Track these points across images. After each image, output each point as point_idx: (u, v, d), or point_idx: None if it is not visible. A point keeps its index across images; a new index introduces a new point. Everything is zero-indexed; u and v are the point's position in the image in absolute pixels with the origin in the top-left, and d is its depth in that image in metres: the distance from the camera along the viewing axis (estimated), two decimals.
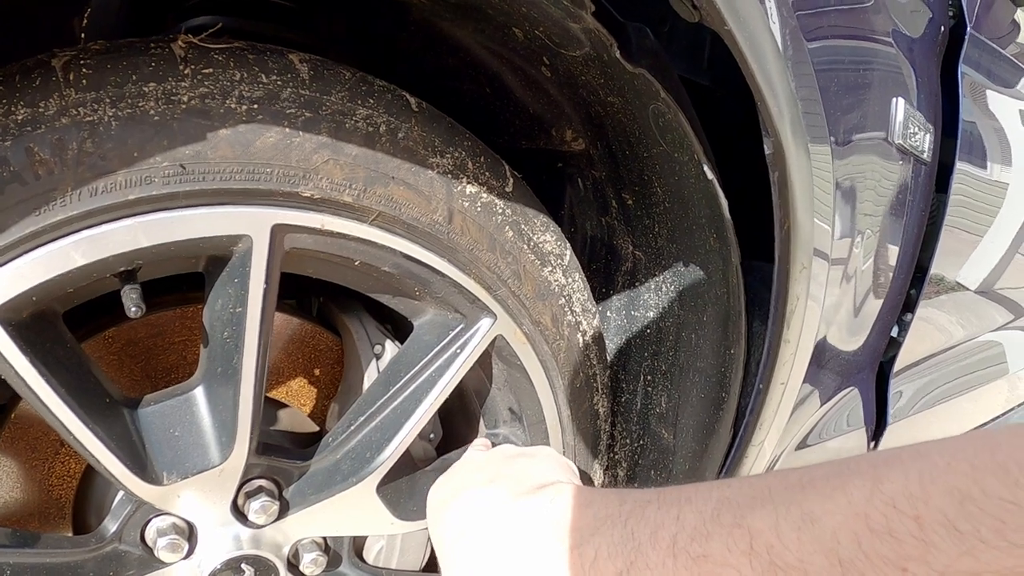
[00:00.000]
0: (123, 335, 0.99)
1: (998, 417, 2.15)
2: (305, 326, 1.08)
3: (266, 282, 0.86)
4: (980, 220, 1.46)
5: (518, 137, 1.17)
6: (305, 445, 1.05)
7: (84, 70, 0.79)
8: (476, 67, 1.10)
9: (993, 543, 0.42)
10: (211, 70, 0.83)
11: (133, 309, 0.83)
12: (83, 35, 1.08)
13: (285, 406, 1.10)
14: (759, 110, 0.88)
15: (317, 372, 1.10)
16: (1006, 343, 1.90)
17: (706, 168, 0.97)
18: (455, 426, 1.19)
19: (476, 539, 0.79)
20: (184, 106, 0.80)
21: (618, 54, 0.89)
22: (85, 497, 1.04)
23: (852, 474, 0.51)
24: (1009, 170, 1.48)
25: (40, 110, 0.74)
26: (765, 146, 0.90)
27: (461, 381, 1.02)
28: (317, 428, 1.13)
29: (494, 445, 1.10)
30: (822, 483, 0.52)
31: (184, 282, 1.02)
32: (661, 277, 1.17)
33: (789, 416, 1.12)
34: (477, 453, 0.97)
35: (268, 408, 1.09)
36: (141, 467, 0.89)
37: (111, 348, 0.98)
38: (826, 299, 1.04)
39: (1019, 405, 2.29)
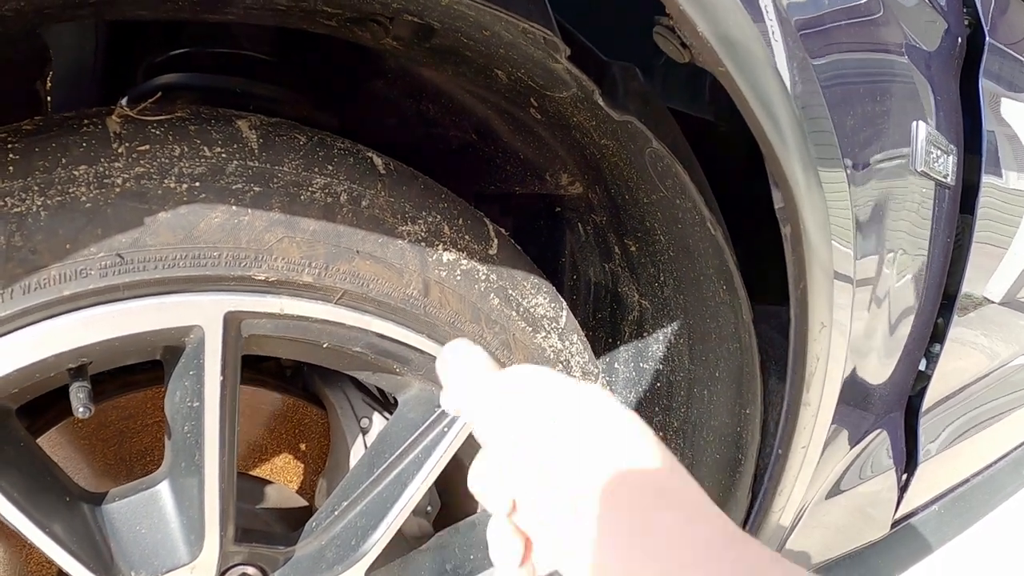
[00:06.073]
0: (93, 419, 0.87)
1: None
2: (287, 400, 0.95)
3: (223, 374, 0.73)
4: (1005, 232, 1.28)
5: (511, 183, 1.02)
6: (295, 521, 0.93)
7: (11, 155, 0.67)
8: (460, 112, 0.96)
9: None
10: (147, 147, 0.70)
11: (80, 410, 0.71)
12: (48, 98, 0.96)
13: (270, 483, 0.98)
14: (766, 160, 0.72)
15: (303, 447, 0.98)
16: None
17: (708, 220, 0.82)
18: (456, 496, 1.05)
19: None
20: (118, 189, 0.68)
21: (601, 101, 0.74)
22: None
23: None
24: None
25: None
26: (775, 199, 0.74)
27: (456, 453, 0.89)
28: (306, 503, 1.01)
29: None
30: None
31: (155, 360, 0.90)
32: (669, 328, 1.02)
33: (813, 472, 0.97)
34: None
35: (253, 486, 0.96)
36: (104, 568, 0.77)
37: (81, 433, 0.87)
38: (847, 361, 0.88)
39: None
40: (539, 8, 0.70)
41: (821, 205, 0.75)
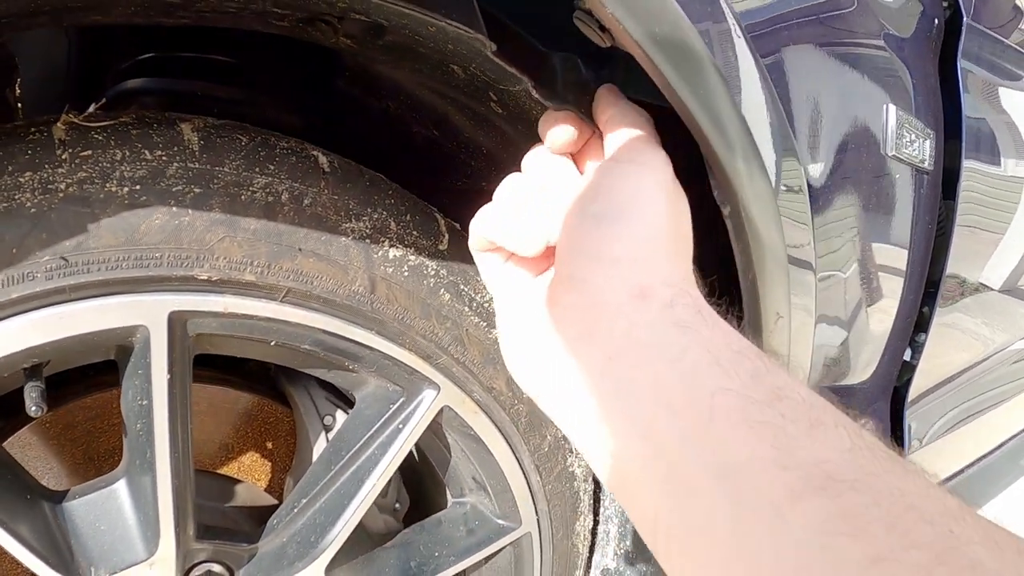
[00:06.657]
0: (60, 420, 0.90)
1: None
2: (251, 399, 0.97)
3: (170, 372, 0.75)
4: (999, 218, 1.24)
5: (477, 179, 1.02)
6: (264, 519, 0.94)
7: None
8: (419, 108, 0.96)
9: None
10: (90, 152, 0.72)
11: (33, 409, 0.73)
12: (19, 105, 0.99)
13: (239, 482, 0.99)
14: (700, 147, 0.71)
15: (270, 445, 0.99)
16: None
17: None
18: (426, 492, 1.05)
19: None
20: (62, 194, 0.70)
21: (535, 93, 0.74)
22: None
23: None
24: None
25: None
26: (712, 186, 0.73)
27: (421, 449, 0.90)
28: (276, 502, 1.02)
29: (463, 515, 0.96)
30: None
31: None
32: None
33: None
34: None
35: (222, 485, 0.98)
36: (64, 565, 0.79)
37: (49, 433, 0.90)
38: (815, 354, 0.87)
39: None
40: (464, 4, 0.70)
41: (764, 186, 0.73)
